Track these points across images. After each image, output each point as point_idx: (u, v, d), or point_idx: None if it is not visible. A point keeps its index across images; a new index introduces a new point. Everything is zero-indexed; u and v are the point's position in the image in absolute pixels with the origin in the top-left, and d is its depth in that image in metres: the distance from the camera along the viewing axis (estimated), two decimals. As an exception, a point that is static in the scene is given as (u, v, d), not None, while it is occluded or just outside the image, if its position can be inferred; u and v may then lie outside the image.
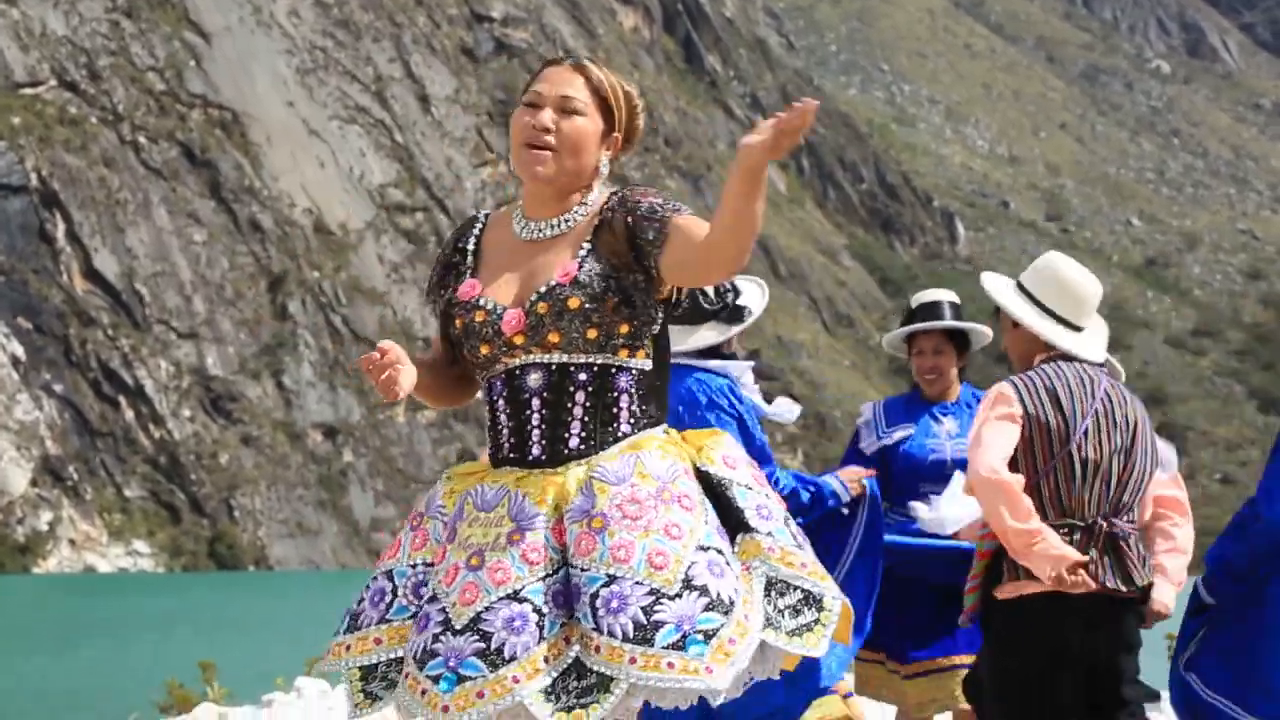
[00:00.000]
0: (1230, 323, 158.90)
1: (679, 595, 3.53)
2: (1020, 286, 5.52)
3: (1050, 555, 5.06)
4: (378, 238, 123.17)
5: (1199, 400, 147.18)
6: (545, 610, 3.60)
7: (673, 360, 5.78)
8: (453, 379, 3.93)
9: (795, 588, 3.68)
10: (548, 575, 3.63)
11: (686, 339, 5.72)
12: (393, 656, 3.73)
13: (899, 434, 6.30)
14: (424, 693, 3.60)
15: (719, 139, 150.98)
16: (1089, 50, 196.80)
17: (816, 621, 3.66)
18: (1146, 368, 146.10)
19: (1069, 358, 5.40)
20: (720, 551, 3.63)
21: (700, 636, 3.51)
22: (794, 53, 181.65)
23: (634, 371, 3.80)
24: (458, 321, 3.83)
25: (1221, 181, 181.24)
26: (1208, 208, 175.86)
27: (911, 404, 6.35)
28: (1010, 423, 5.21)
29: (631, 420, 3.79)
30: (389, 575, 3.82)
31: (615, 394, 3.78)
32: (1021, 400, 5.25)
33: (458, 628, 3.60)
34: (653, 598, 3.53)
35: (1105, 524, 5.23)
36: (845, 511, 5.85)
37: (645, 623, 3.51)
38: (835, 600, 3.69)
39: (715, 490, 3.74)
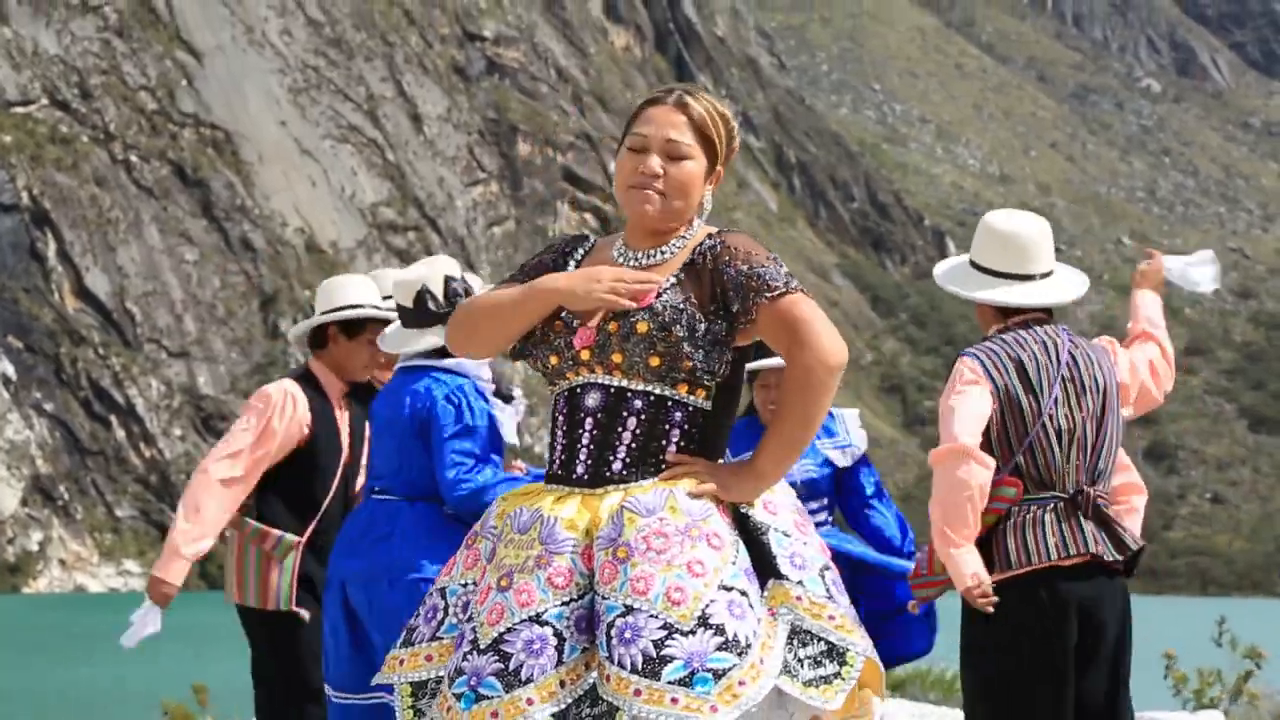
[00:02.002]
0: (1221, 342, 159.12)
1: (693, 632, 3.53)
2: (971, 261, 5.32)
3: (963, 573, 4.95)
4: (370, 257, 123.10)
5: (1190, 419, 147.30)
6: (566, 635, 3.61)
7: (406, 364, 5.87)
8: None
9: (819, 639, 3.67)
10: (572, 600, 3.65)
11: (416, 341, 5.79)
12: (442, 674, 3.76)
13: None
14: (448, 709, 3.63)
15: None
16: (1079, 70, 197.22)
17: (836, 675, 3.65)
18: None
19: (1027, 323, 5.18)
20: (744, 593, 3.63)
21: (709, 675, 3.51)
22: (785, 72, 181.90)
23: (690, 408, 3.78)
24: (538, 328, 3.85)
25: (1212, 200, 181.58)
26: (1198, 227, 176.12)
27: (752, 428, 6.43)
28: (979, 386, 5.04)
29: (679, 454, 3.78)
30: (442, 593, 3.86)
31: (667, 426, 3.77)
32: (988, 372, 5.07)
33: (482, 647, 3.63)
34: (665, 632, 3.53)
35: (1090, 491, 5.07)
36: None
37: (655, 656, 3.51)
38: (859, 657, 3.67)
39: (751, 534, 3.73)
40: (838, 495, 6.60)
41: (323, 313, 6.42)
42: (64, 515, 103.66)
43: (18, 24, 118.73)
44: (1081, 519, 5.06)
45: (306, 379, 6.42)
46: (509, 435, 5.91)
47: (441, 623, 3.81)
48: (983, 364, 5.09)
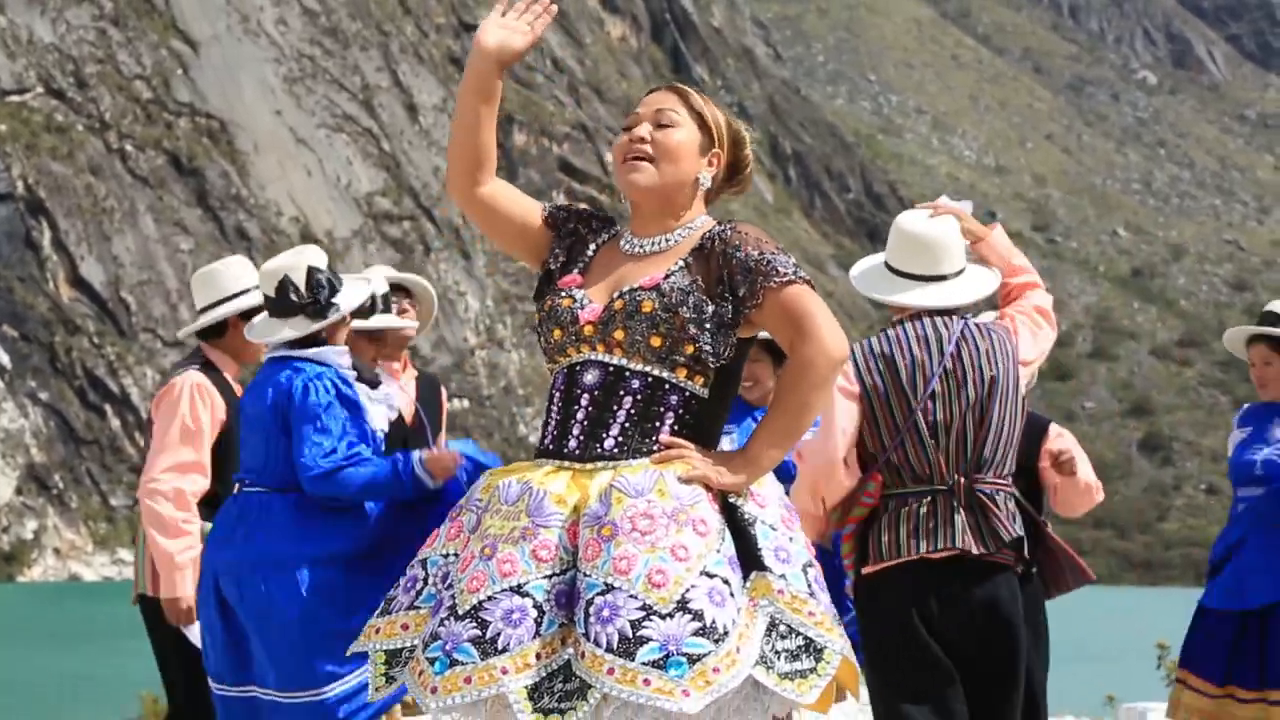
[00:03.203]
0: (1216, 333, 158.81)
1: (671, 615, 3.54)
2: (885, 263, 5.41)
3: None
4: (365, 246, 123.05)
5: (1184, 410, 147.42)
6: (546, 608, 3.62)
7: (272, 354, 5.88)
8: (485, 148, 3.97)
9: (798, 634, 3.68)
10: (554, 574, 3.66)
11: (278, 331, 5.81)
12: (420, 642, 3.76)
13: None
14: (420, 673, 3.65)
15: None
16: (1075, 61, 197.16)
17: (812, 670, 3.66)
18: (1132, 378, 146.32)
19: (919, 317, 5.21)
20: (726, 582, 3.63)
21: (684, 659, 3.51)
22: (781, 63, 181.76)
23: (687, 394, 3.80)
24: (547, 302, 3.89)
25: (1207, 192, 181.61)
26: (1193, 218, 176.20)
27: (734, 408, 6.53)
28: (847, 399, 5.10)
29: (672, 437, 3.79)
30: (423, 564, 3.87)
31: (662, 409, 3.78)
32: (859, 375, 5.12)
33: (460, 613, 3.64)
34: (643, 613, 3.54)
35: (965, 481, 5.06)
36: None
37: (630, 636, 3.52)
38: (836, 655, 3.69)
39: (739, 525, 3.74)
40: None
41: (224, 299, 6.45)
42: (59, 504, 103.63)
43: (13, 12, 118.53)
44: (954, 512, 5.04)
45: (208, 368, 6.42)
46: (377, 422, 5.93)
47: (420, 592, 3.81)
48: (856, 367, 5.15)
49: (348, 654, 4.07)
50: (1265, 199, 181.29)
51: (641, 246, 3.91)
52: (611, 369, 3.78)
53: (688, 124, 3.92)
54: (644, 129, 3.90)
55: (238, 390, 6.37)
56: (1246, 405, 7.14)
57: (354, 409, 5.80)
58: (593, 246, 3.98)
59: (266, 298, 5.90)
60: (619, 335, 3.77)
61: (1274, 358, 6.93)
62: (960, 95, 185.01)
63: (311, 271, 5.87)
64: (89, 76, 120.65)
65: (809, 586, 3.74)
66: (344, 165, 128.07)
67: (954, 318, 5.23)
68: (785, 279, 3.77)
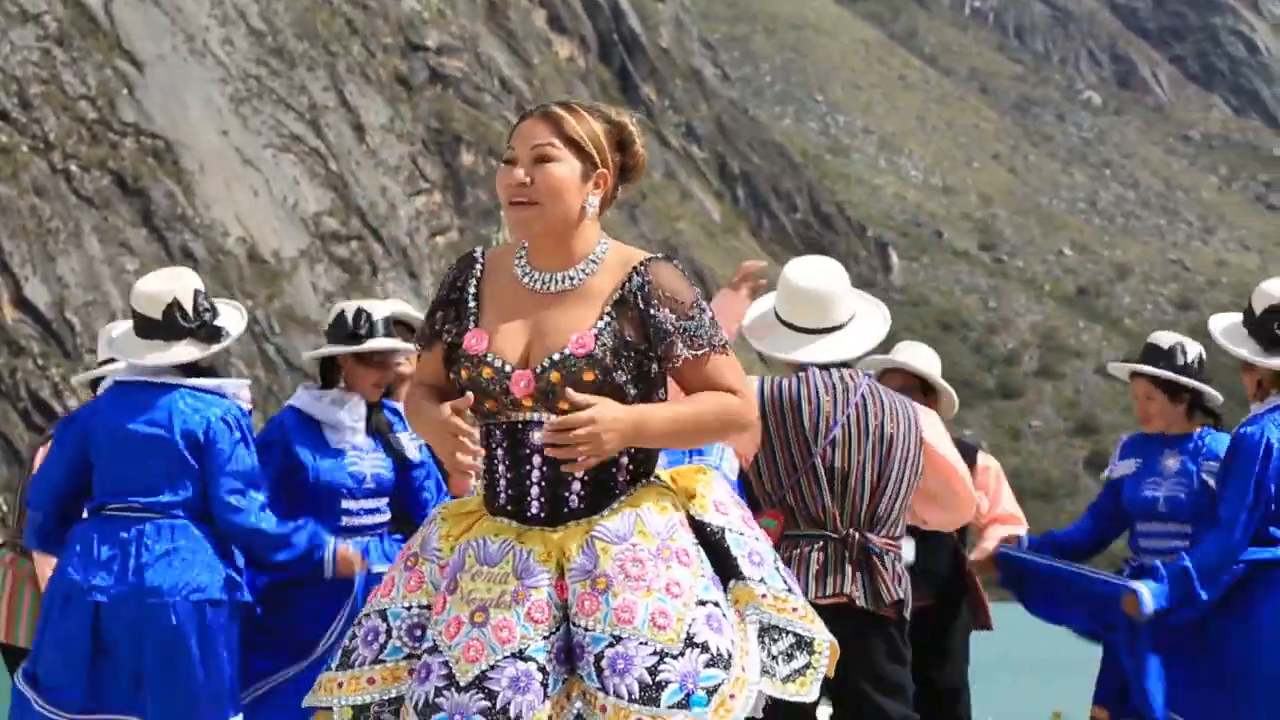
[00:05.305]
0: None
1: (682, 654, 3.59)
2: (776, 314, 5.45)
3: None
4: (312, 266, 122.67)
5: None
6: (549, 669, 3.63)
7: (151, 378, 5.81)
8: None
9: (787, 633, 3.74)
10: (551, 634, 3.66)
11: (162, 354, 5.74)
12: (386, 697, 3.73)
13: None
14: None
15: (654, 168, 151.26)
16: (1021, 82, 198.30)
17: (809, 665, 3.73)
18: (1078, 396, 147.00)
19: (827, 366, 5.28)
20: (718, 604, 3.68)
21: (703, 694, 3.57)
22: (729, 83, 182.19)
23: None
24: (464, 373, 3.81)
25: (1152, 212, 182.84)
26: (1138, 238, 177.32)
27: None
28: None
29: (628, 477, 3.79)
30: (382, 615, 3.81)
31: (618, 453, 3.75)
32: (762, 408, 5.14)
33: (462, 684, 3.61)
34: (657, 658, 3.58)
35: (859, 536, 5.09)
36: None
37: (651, 683, 3.56)
38: (825, 644, 3.76)
39: (708, 539, 3.77)
40: None
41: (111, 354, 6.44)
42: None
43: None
44: (845, 562, 5.07)
45: None
46: (410, 453, 6.11)
47: (384, 645, 3.77)
48: (761, 397, 5.18)
49: (304, 705, 4.02)
50: (1209, 219, 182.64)
51: (545, 283, 3.83)
52: None
53: (565, 156, 3.83)
54: (519, 173, 3.82)
55: None
56: (1126, 436, 7.24)
57: (249, 445, 5.74)
58: (473, 286, 3.89)
59: (145, 319, 5.76)
60: (564, 406, 3.72)
61: (1155, 393, 6.97)
62: (907, 115, 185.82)
63: (197, 294, 5.79)
64: (33, 97, 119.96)
65: (785, 583, 3.80)
66: (291, 185, 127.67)
67: (857, 372, 5.32)
68: (702, 351, 3.75)
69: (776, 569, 3.79)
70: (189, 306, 5.73)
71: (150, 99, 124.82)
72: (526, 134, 3.87)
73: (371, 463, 6.23)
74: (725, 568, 3.74)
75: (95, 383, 6.55)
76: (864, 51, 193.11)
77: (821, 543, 5.09)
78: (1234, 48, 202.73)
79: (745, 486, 5.27)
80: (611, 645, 3.58)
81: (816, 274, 5.40)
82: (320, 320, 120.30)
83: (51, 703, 5.64)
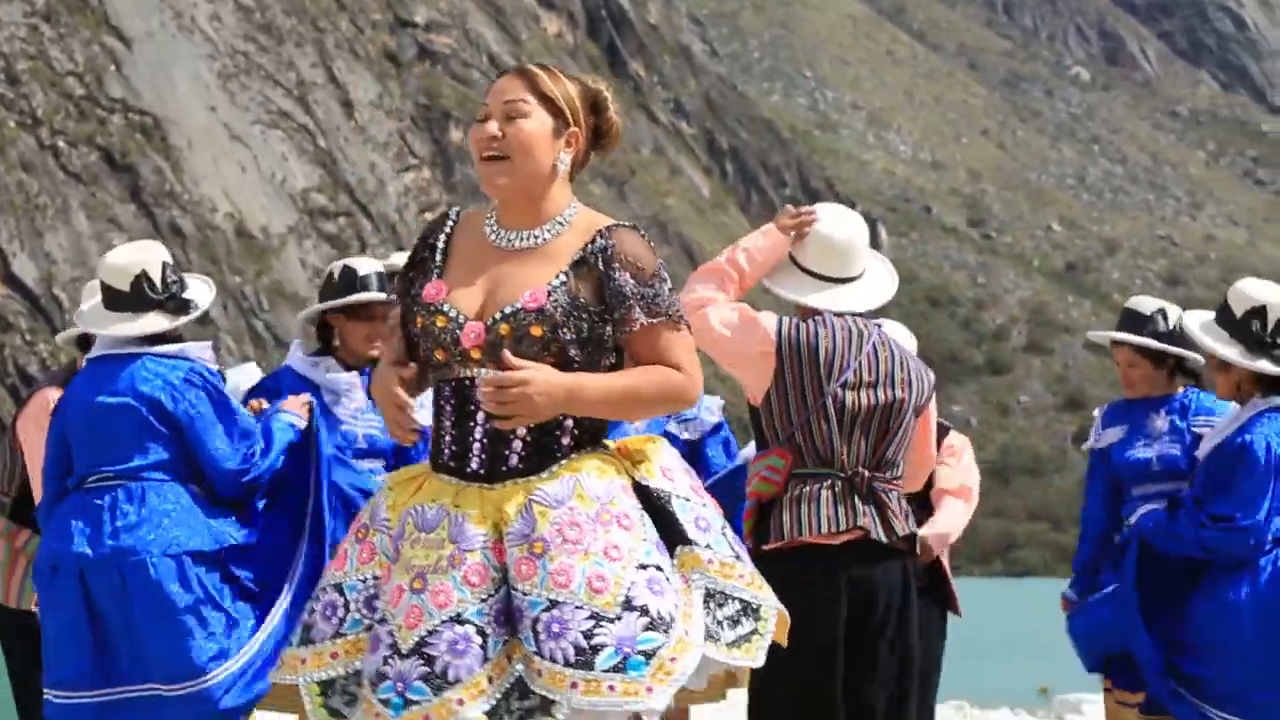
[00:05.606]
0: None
1: (619, 618, 3.58)
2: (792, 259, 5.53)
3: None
4: (300, 242, 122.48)
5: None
6: (488, 631, 3.63)
7: (117, 350, 5.83)
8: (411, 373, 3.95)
9: (733, 599, 3.73)
10: (489, 596, 3.66)
11: (129, 325, 5.77)
12: (351, 670, 3.77)
13: None
14: (377, 715, 3.64)
15: (643, 144, 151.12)
16: (1010, 57, 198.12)
17: (754, 632, 3.73)
18: (1067, 371, 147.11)
19: (841, 313, 5.36)
20: (660, 568, 3.67)
21: (641, 657, 3.56)
22: (717, 59, 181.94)
23: None
24: (419, 320, 3.83)
25: (1140, 188, 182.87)
26: (1127, 214, 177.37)
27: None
28: (759, 327, 5.31)
29: (573, 442, 3.79)
30: (339, 589, 3.84)
31: (561, 417, 3.76)
32: (778, 342, 5.25)
33: (404, 651, 3.63)
34: (593, 621, 3.58)
35: (867, 474, 5.18)
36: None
37: (586, 647, 3.56)
38: (772, 610, 3.76)
39: (654, 504, 3.76)
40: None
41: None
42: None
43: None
44: (856, 499, 5.14)
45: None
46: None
47: (344, 619, 3.80)
48: (779, 332, 5.27)
49: (270, 679, 4.02)
50: (1197, 195, 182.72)
51: (510, 240, 3.86)
52: None
53: (537, 112, 3.84)
54: (492, 127, 3.84)
55: None
56: (1108, 404, 7.22)
57: (215, 397, 5.79)
58: (442, 240, 3.93)
59: (113, 291, 5.78)
60: (508, 363, 3.73)
61: (1137, 360, 6.99)
62: (895, 91, 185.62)
63: (165, 267, 5.81)
64: (21, 73, 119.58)
65: (732, 549, 3.80)
66: (279, 161, 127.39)
67: (870, 323, 5.40)
68: (658, 319, 3.75)
69: (724, 535, 3.79)
70: (157, 279, 5.75)
71: (138, 75, 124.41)
72: (500, 90, 3.88)
73: (365, 424, 6.26)
74: (671, 533, 3.72)
75: (83, 342, 6.51)
76: (852, 27, 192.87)
77: (830, 480, 5.15)
78: (1222, 23, 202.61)
79: (754, 423, 5.34)
80: (548, 609, 3.57)
81: (847, 226, 5.50)
82: (310, 297, 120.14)
83: (57, 681, 5.67)
